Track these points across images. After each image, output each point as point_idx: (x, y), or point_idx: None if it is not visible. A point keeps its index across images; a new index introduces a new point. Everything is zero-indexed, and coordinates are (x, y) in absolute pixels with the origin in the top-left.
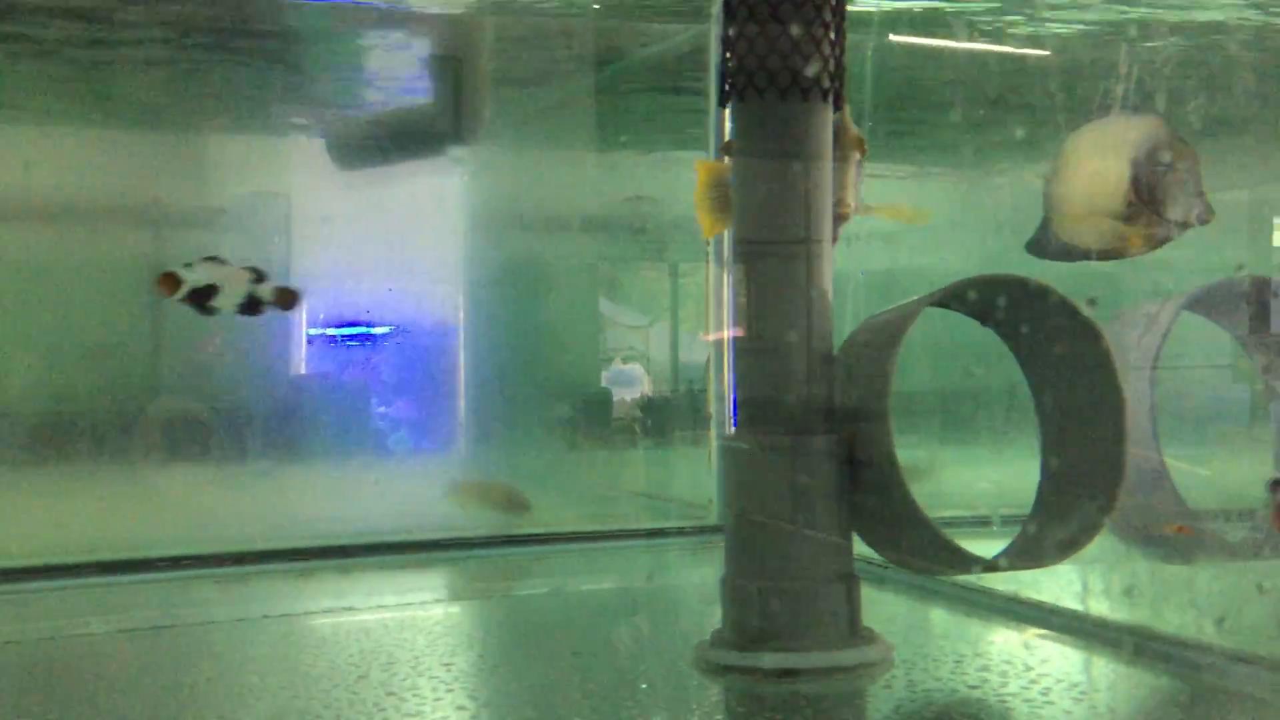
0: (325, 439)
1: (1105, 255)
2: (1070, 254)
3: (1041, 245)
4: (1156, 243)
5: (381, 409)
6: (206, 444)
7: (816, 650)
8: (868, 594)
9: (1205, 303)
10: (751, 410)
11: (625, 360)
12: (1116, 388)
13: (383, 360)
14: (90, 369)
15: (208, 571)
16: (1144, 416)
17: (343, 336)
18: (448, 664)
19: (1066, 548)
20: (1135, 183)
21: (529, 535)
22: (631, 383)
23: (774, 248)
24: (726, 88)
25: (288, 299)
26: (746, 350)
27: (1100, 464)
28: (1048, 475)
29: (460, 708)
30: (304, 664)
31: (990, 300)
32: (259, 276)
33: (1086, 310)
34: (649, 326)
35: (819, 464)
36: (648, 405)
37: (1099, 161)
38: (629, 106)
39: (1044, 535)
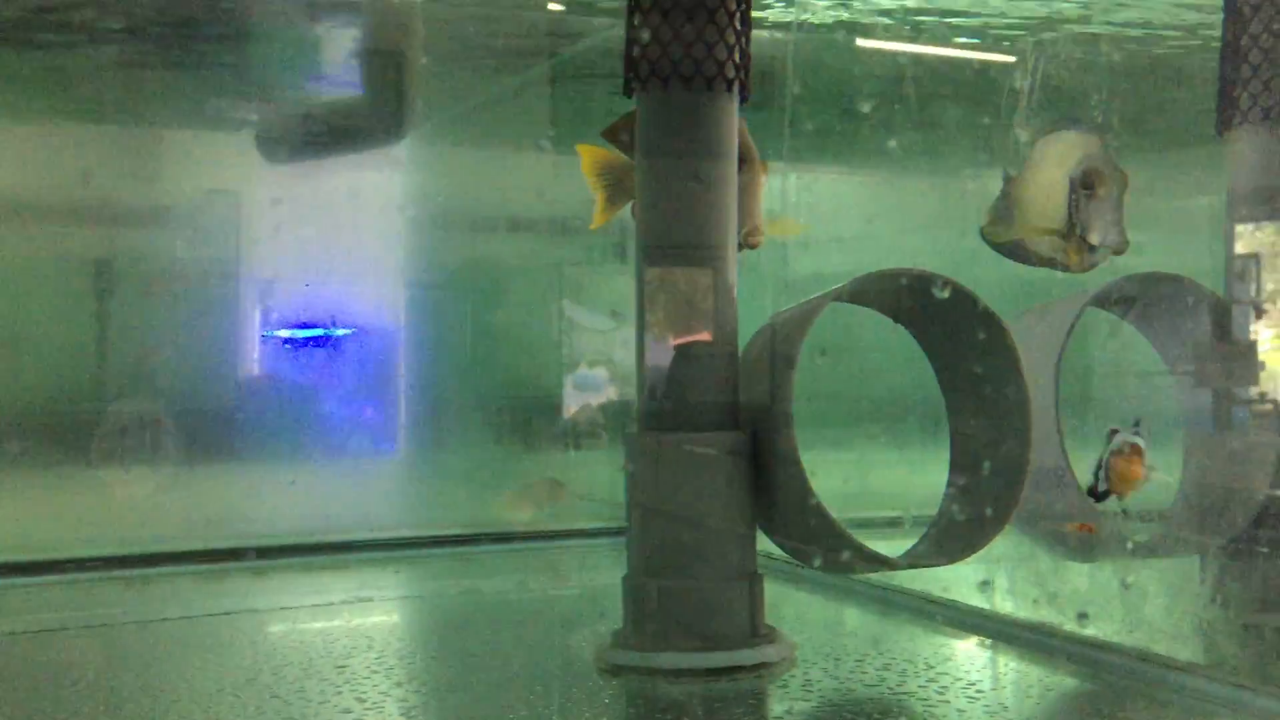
0: (258, 440)
1: (1047, 264)
2: (1017, 255)
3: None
4: (1087, 265)
5: (319, 411)
6: (148, 446)
7: (715, 650)
8: (782, 592)
9: (1109, 300)
10: (655, 408)
11: (590, 364)
12: (1021, 384)
13: (326, 361)
14: (32, 368)
15: (118, 573)
16: (1048, 413)
17: (288, 338)
18: (341, 666)
19: (969, 546)
20: (1068, 203)
21: (457, 536)
22: (596, 387)
23: (677, 250)
24: (630, 77)
25: None
26: (650, 350)
27: (1004, 461)
28: (954, 473)
29: (345, 710)
30: (192, 667)
31: (895, 295)
32: None
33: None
34: (614, 330)
35: (721, 462)
36: (611, 409)
37: (1052, 172)
38: (585, 99)
39: (948, 533)
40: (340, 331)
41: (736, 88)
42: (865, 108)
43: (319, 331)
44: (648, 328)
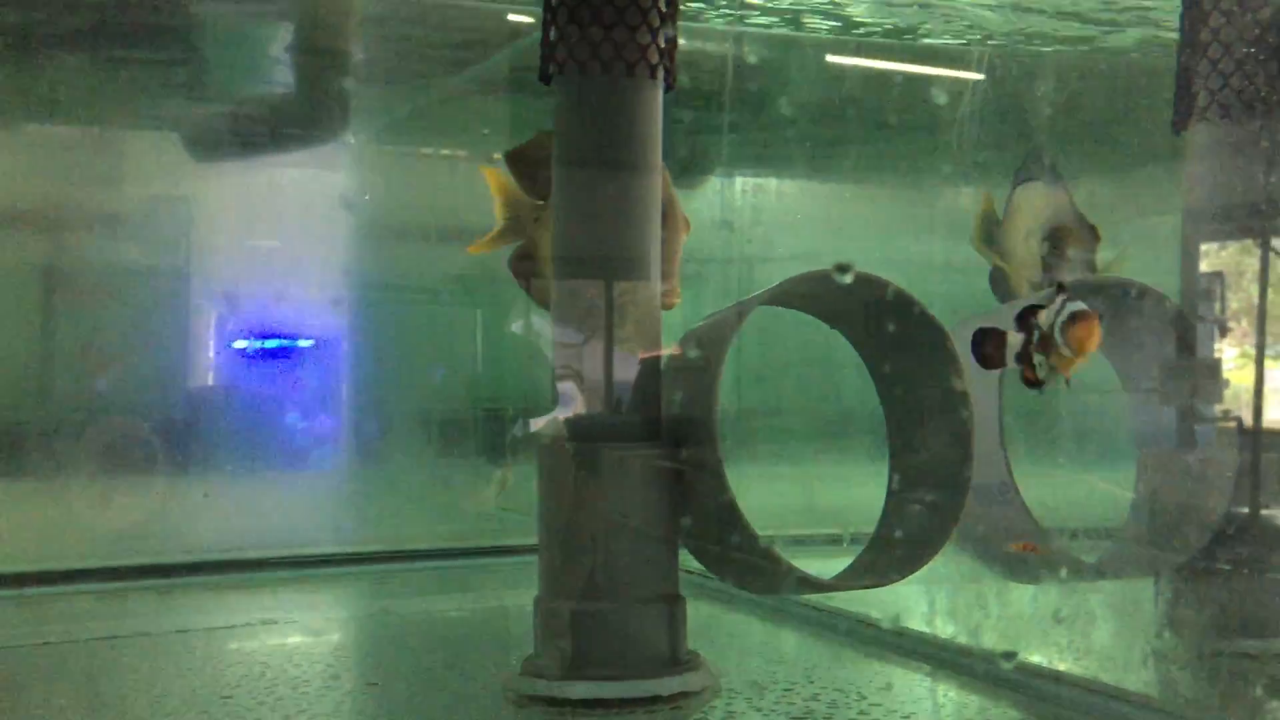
0: (195, 453)
1: None
2: (1004, 296)
3: (994, 281)
4: None
5: (256, 424)
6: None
7: (632, 679)
8: (713, 614)
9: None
10: (570, 420)
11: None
12: (963, 395)
13: (270, 373)
14: None
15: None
16: (990, 425)
17: (243, 349)
18: (226, 697)
19: (905, 567)
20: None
21: (385, 553)
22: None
23: (595, 260)
24: (547, 64)
25: None
26: (567, 360)
27: (944, 477)
28: (892, 490)
29: None
30: (55, 696)
31: (829, 299)
32: None
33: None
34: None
35: (640, 476)
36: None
37: (1029, 222)
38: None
39: (885, 552)
40: (303, 343)
41: (661, 75)
42: (835, 120)
43: (277, 343)
44: (561, 339)
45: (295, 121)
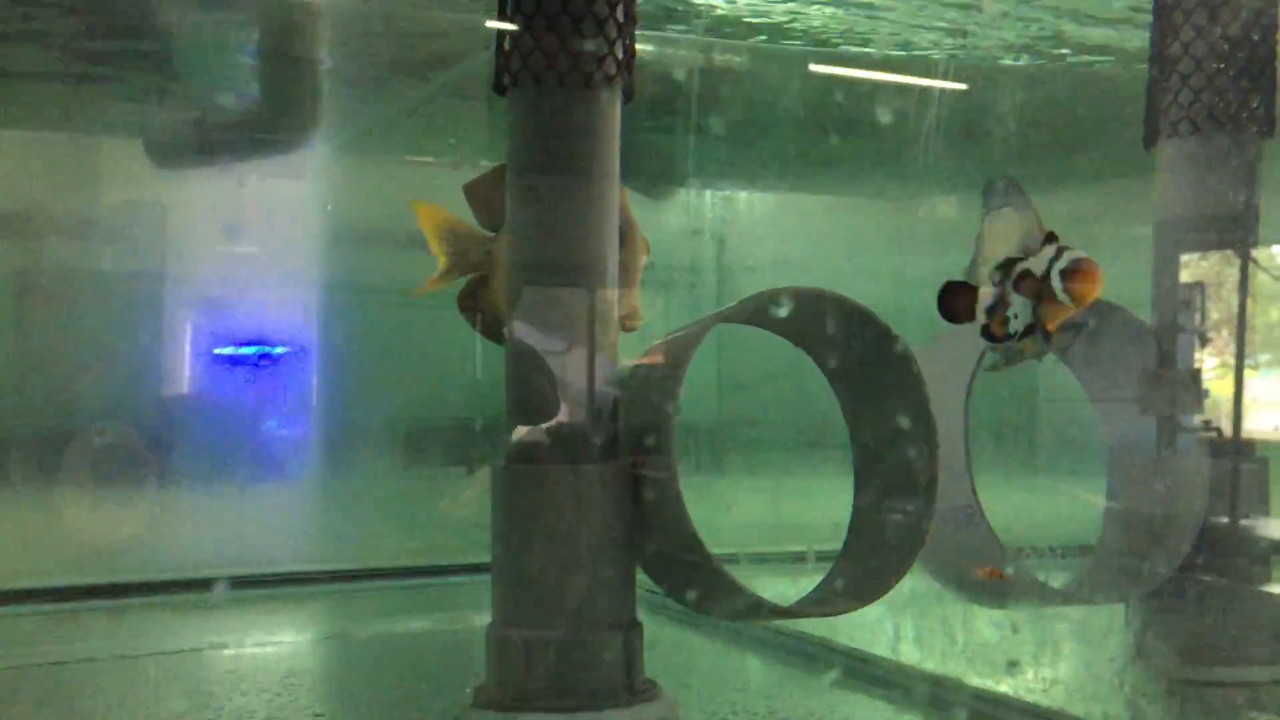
0: (157, 464)
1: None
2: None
3: None
4: (1041, 351)
5: (224, 433)
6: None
7: (585, 710)
8: (677, 637)
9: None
10: (523, 436)
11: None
12: (927, 415)
13: (240, 381)
14: None
15: None
16: (956, 446)
17: (221, 355)
18: None
19: (870, 591)
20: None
21: (351, 571)
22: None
23: (553, 271)
24: (501, 75)
25: None
26: (518, 372)
27: (909, 499)
28: (855, 512)
29: None
30: None
31: (793, 318)
32: None
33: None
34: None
35: (594, 495)
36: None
37: (1001, 252)
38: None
39: (848, 578)
40: (279, 349)
41: (619, 87)
42: (817, 130)
43: (253, 350)
44: (515, 351)
45: (263, 128)
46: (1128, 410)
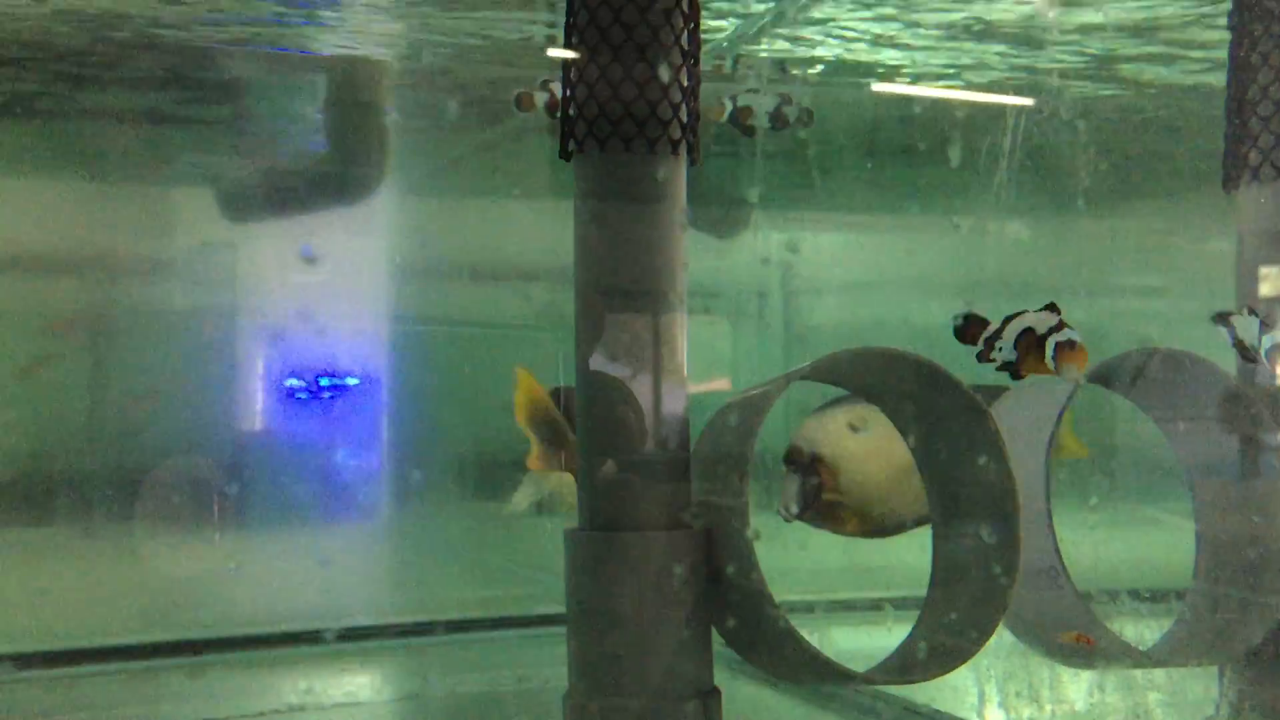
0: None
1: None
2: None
3: None
4: None
5: (292, 473)
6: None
7: None
8: (755, 697)
9: (1106, 377)
10: (595, 502)
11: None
12: (1006, 473)
13: (309, 418)
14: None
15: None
16: (1039, 506)
17: (294, 388)
18: None
19: (951, 659)
20: None
21: (427, 623)
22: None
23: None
24: (566, 140)
25: None
26: (591, 429)
27: (991, 560)
28: (936, 571)
29: None
30: None
31: (865, 373)
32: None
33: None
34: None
35: (670, 563)
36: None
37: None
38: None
39: (928, 643)
40: (350, 380)
41: (684, 150)
42: (877, 155)
43: (326, 381)
44: (588, 424)
45: (331, 177)
46: (1203, 431)
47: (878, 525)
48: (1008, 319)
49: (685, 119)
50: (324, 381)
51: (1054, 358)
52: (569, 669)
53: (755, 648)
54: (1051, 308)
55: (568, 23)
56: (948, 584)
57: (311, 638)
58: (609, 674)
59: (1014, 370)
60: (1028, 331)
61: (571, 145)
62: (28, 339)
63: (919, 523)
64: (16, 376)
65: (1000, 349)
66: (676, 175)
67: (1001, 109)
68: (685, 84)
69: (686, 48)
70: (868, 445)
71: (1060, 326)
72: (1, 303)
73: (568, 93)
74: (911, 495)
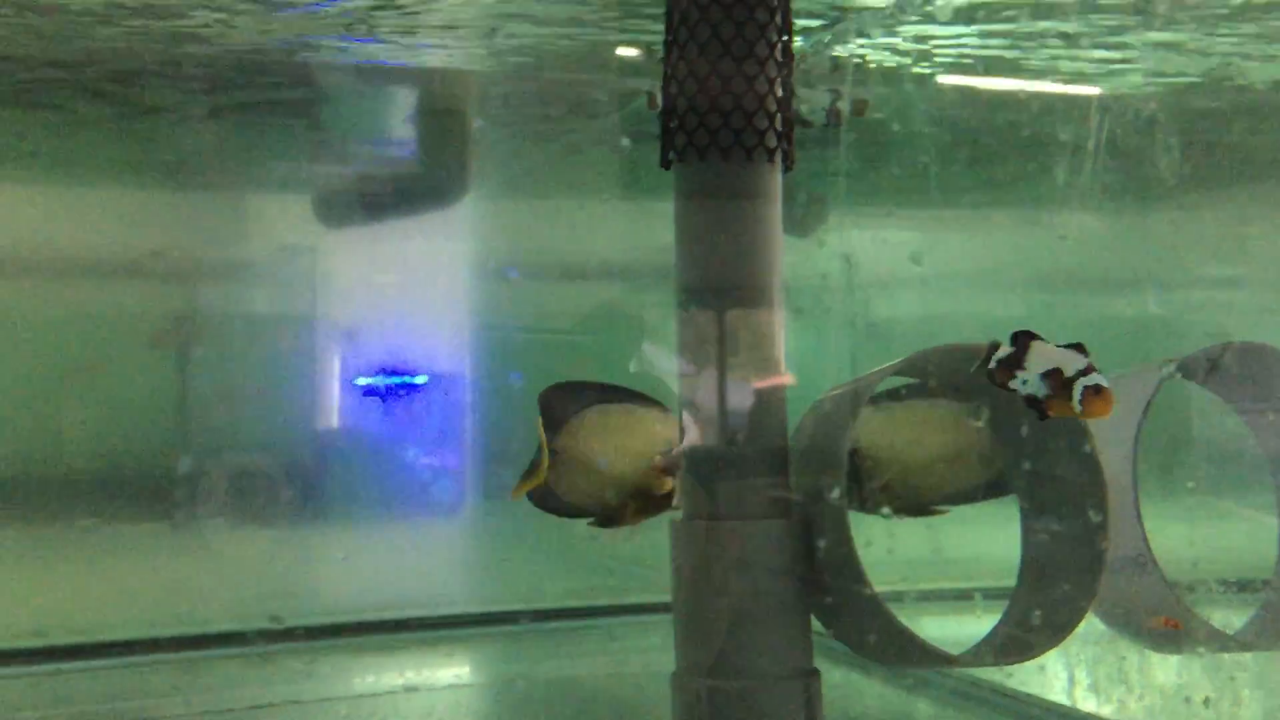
0: (320, 500)
1: None
2: None
3: None
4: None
5: (379, 468)
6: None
7: None
8: (853, 682)
9: (1194, 371)
10: (696, 490)
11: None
12: (1095, 463)
13: (391, 415)
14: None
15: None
16: (1126, 494)
17: (368, 386)
18: None
19: (1046, 640)
20: None
21: (528, 611)
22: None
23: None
24: (667, 150)
25: None
26: (694, 423)
27: (1081, 548)
28: (1026, 559)
29: None
30: None
31: (953, 371)
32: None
33: None
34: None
35: (768, 549)
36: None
37: None
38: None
39: (1020, 626)
40: (420, 379)
41: (779, 157)
42: (942, 147)
43: (399, 380)
44: (691, 404)
45: (420, 183)
46: None
47: (910, 502)
48: (1020, 338)
49: (780, 127)
50: (400, 380)
51: (1080, 401)
52: (675, 653)
53: (850, 629)
54: (1079, 348)
55: (667, 39)
56: (1037, 573)
57: (411, 625)
58: (715, 657)
59: (1041, 409)
60: (1055, 371)
61: (671, 154)
62: (122, 343)
63: (956, 499)
64: (148, 346)
65: (1025, 382)
66: (773, 181)
67: (1086, 100)
68: (780, 94)
69: (780, 59)
70: (892, 420)
71: (1089, 370)
72: (88, 306)
73: (668, 105)
74: (946, 471)
